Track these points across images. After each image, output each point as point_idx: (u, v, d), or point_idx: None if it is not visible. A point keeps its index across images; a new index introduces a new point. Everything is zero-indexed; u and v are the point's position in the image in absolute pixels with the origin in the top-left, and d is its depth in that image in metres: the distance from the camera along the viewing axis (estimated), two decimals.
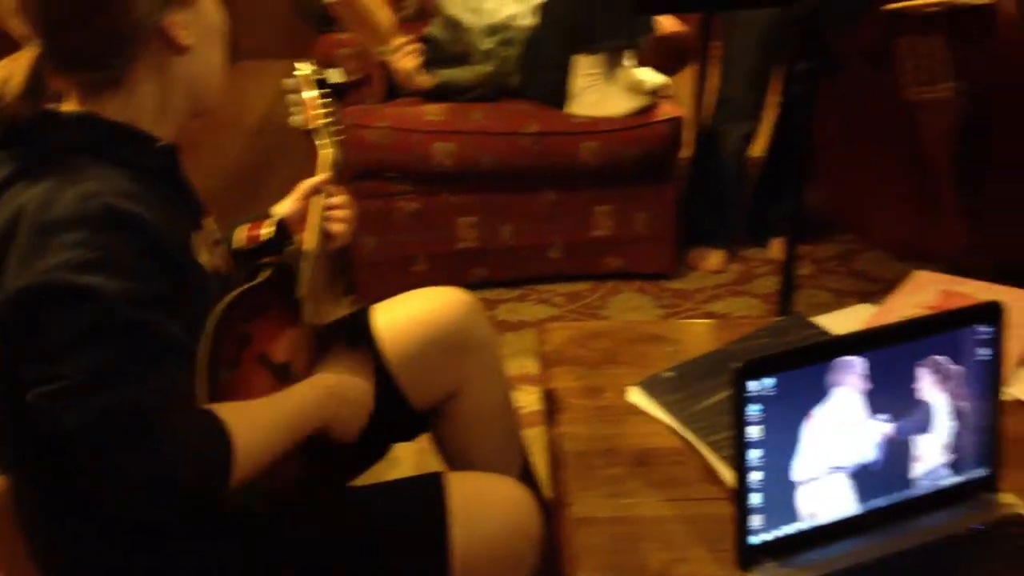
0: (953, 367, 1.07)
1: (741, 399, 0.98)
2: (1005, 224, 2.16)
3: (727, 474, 1.14)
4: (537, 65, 2.61)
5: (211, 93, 1.15)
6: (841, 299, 2.60)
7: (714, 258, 2.80)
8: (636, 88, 2.48)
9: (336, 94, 1.43)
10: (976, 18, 1.98)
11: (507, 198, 2.62)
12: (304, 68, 1.41)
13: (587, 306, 2.63)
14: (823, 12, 1.89)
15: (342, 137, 1.41)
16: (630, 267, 2.72)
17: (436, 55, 2.65)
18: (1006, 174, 2.10)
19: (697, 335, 1.58)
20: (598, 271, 2.72)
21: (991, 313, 1.08)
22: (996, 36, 2.01)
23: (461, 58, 2.64)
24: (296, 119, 1.39)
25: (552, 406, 1.33)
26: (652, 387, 1.31)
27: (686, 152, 2.75)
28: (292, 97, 1.40)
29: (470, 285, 2.63)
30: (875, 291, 2.60)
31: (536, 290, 2.69)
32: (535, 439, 1.56)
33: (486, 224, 2.63)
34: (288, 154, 2.86)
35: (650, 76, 2.49)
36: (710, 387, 1.28)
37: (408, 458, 1.78)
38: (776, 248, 2.77)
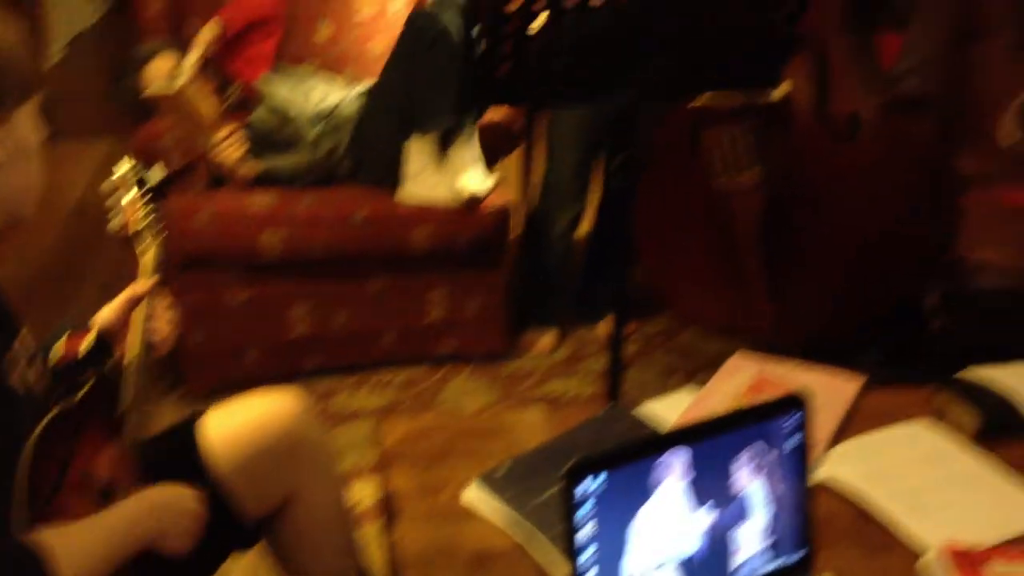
0: (768, 455, 1.14)
1: (570, 499, 1.01)
2: (808, 303, 2.30)
3: (563, 571, 1.16)
4: (366, 150, 2.63)
5: (24, 207, 1.12)
6: (667, 376, 2.71)
7: (546, 339, 2.86)
8: (463, 191, 2.53)
9: (158, 192, 1.41)
10: (775, 110, 2.13)
11: (339, 285, 2.61)
12: (123, 167, 1.38)
13: (423, 392, 2.64)
14: (634, 109, 1.99)
15: (164, 235, 1.38)
16: (464, 350, 2.75)
17: (262, 143, 2.64)
18: (807, 256, 2.25)
19: (531, 425, 1.60)
20: (433, 355, 2.74)
21: (798, 403, 1.15)
22: (793, 126, 2.17)
23: (288, 145, 2.64)
24: (115, 223, 1.36)
25: (390, 508, 1.33)
26: (489, 483, 1.33)
27: (516, 233, 2.82)
28: (111, 201, 1.37)
29: (303, 374, 2.64)
30: (698, 367, 2.73)
31: (371, 377, 2.68)
32: (374, 535, 1.55)
33: (318, 312, 2.61)
34: (108, 240, 2.78)
35: (477, 180, 2.55)
36: (544, 482, 1.31)
37: (243, 568, 1.73)
38: (605, 326, 2.86)
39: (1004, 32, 3.17)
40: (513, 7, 1.54)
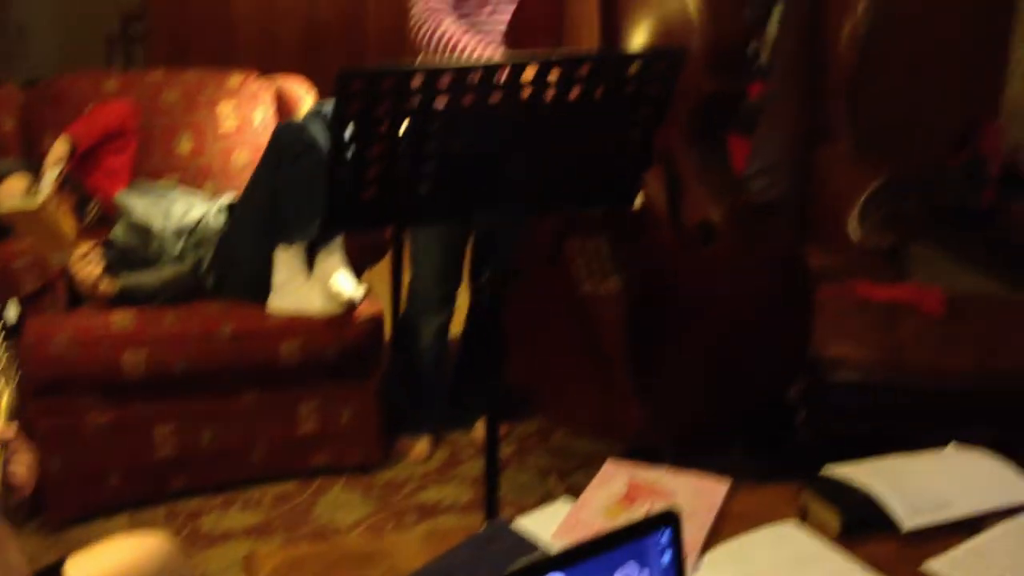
0: (642, 572, 1.15)
1: None
2: (676, 402, 2.35)
3: None
4: (231, 263, 2.60)
5: None
6: (543, 476, 2.72)
7: (420, 445, 2.84)
8: (335, 297, 2.52)
9: (13, 331, 1.36)
10: (634, 219, 2.20)
11: (205, 402, 2.55)
12: None
13: (296, 508, 2.57)
14: (498, 227, 2.04)
15: (19, 375, 1.33)
16: (337, 462, 2.70)
17: (123, 260, 2.58)
18: (673, 357, 2.30)
19: (410, 546, 1.58)
20: (305, 468, 2.68)
21: (670, 518, 1.17)
22: (652, 234, 2.24)
23: (151, 261, 2.59)
24: None
25: None
26: None
27: (387, 340, 2.81)
28: None
29: (170, 495, 2.54)
30: (572, 467, 2.75)
31: (241, 495, 2.60)
32: None
33: (184, 430, 2.53)
34: None
35: (348, 285, 2.54)
36: None
37: None
38: (480, 430, 2.86)
39: (845, 136, 3.39)
40: (381, 119, 1.57)
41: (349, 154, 1.57)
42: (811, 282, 2.44)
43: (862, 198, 3.23)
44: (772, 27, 3.33)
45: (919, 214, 3.72)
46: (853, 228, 3.21)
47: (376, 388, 2.72)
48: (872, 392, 2.50)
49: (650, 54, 1.78)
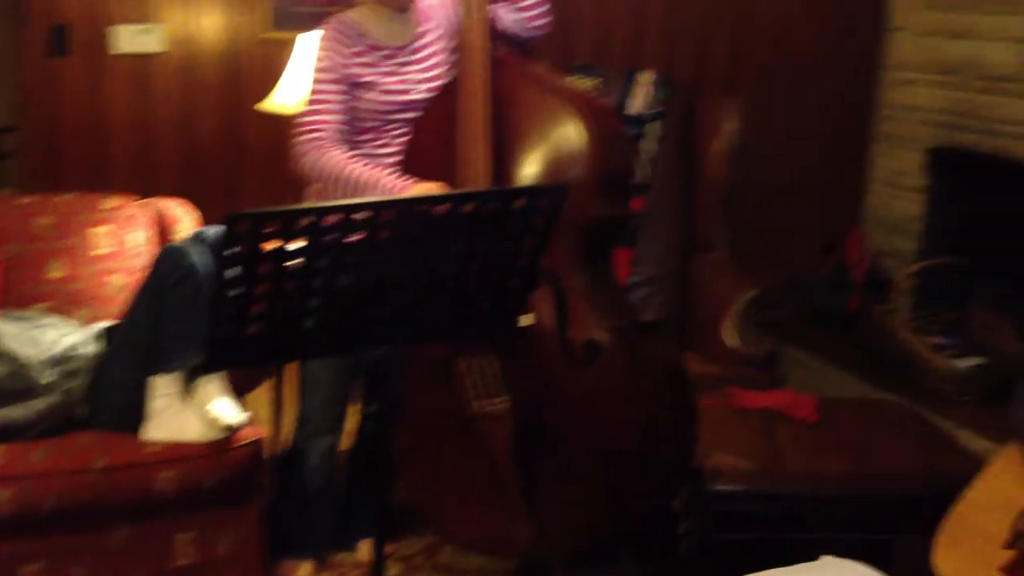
0: None
1: None
2: (566, 516, 2.35)
3: None
4: (107, 393, 2.52)
5: None
6: None
7: (303, 570, 2.76)
8: (214, 423, 2.46)
9: None
10: (522, 339, 2.23)
11: (76, 538, 2.42)
12: None
13: None
14: (382, 360, 2.05)
15: None
16: None
17: None
18: (562, 472, 2.32)
19: None
20: None
21: None
22: (540, 352, 2.27)
23: (19, 394, 2.48)
24: None
25: None
26: None
27: (268, 467, 2.74)
28: None
29: None
30: None
31: None
32: None
33: (53, 570, 2.40)
34: None
35: (229, 411, 2.48)
36: None
37: None
38: (364, 550, 2.80)
39: (720, 247, 3.52)
40: (268, 259, 1.56)
41: (234, 292, 1.56)
42: (693, 393, 2.50)
43: (738, 307, 3.34)
44: (648, 144, 3.47)
45: (792, 320, 3.88)
46: (730, 336, 3.31)
47: (258, 514, 2.64)
48: (752, 500, 2.55)
49: (534, 190, 1.84)
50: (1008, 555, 2.05)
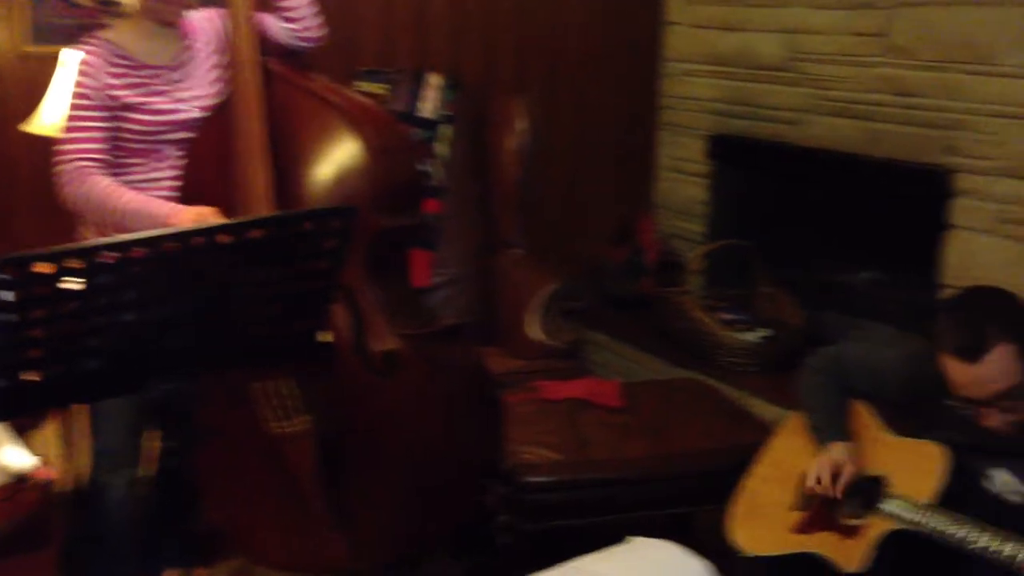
0: None
1: None
2: (378, 527, 2.35)
3: None
4: None
5: None
6: None
7: None
8: (2, 471, 2.32)
9: None
10: (319, 355, 2.20)
11: None
12: None
13: None
14: (176, 390, 1.99)
15: None
16: None
17: None
18: (370, 484, 2.31)
19: None
20: None
21: None
22: (339, 367, 2.25)
23: None
24: None
25: None
26: None
27: (63, 507, 2.62)
28: None
29: None
30: None
31: None
32: None
33: None
34: None
35: (17, 458, 2.35)
36: None
37: None
38: None
39: (517, 244, 3.59)
40: (40, 301, 1.48)
41: (6, 339, 1.47)
42: (497, 391, 2.55)
43: (539, 301, 3.42)
44: (441, 146, 3.49)
45: (594, 308, 4.00)
46: (533, 330, 3.39)
47: (53, 559, 2.51)
48: (562, 489, 2.63)
49: (322, 213, 1.81)
50: (797, 517, 2.20)
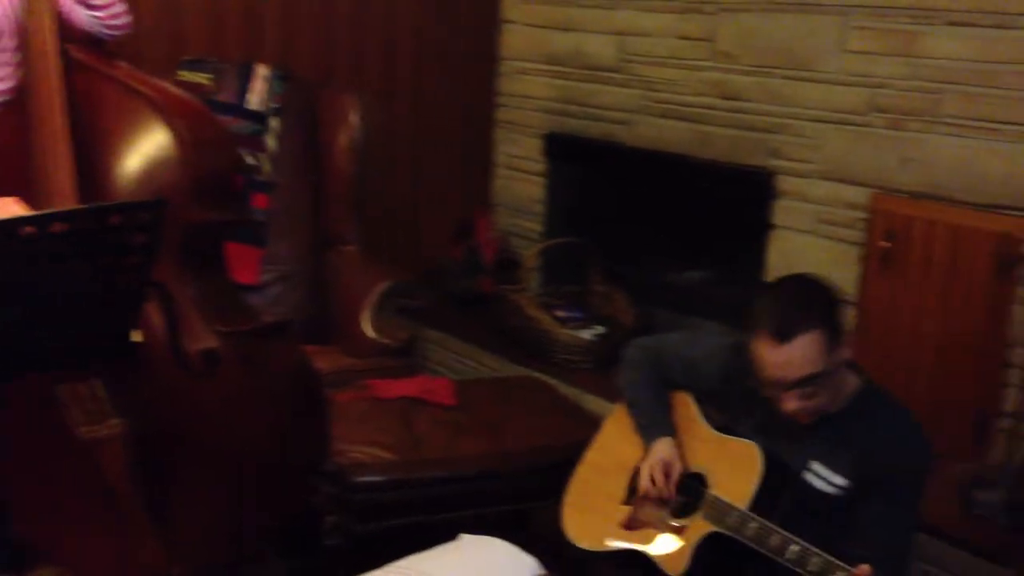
0: None
1: None
2: (200, 530, 2.26)
3: None
4: None
5: None
6: None
7: None
8: None
9: None
10: (132, 356, 2.10)
11: None
12: None
13: None
14: None
15: None
16: None
17: None
18: (190, 487, 2.22)
19: None
20: None
21: None
22: (152, 368, 2.15)
23: None
24: None
25: None
26: None
27: None
28: None
29: None
30: None
31: None
32: None
33: None
34: None
35: None
36: None
37: None
38: None
39: (351, 241, 3.52)
40: None
41: None
42: (324, 389, 2.48)
43: (372, 298, 3.37)
44: (271, 139, 3.39)
45: (431, 307, 3.97)
46: (366, 328, 3.34)
47: None
48: (394, 489, 2.59)
49: (130, 206, 1.72)
50: (626, 512, 2.23)
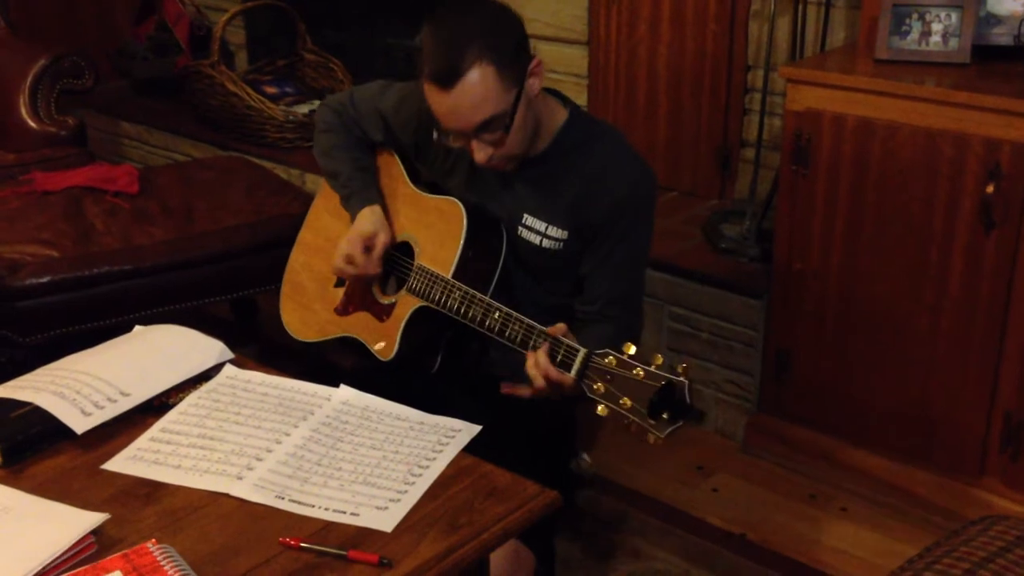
0: None
1: None
2: None
3: None
4: None
5: None
6: None
7: None
8: None
9: None
10: None
11: None
12: None
13: None
14: None
15: None
16: None
17: None
18: None
19: None
20: None
21: None
22: None
23: None
24: None
25: None
26: None
27: None
28: None
29: None
30: None
31: None
32: None
33: None
34: None
35: None
36: None
37: None
38: None
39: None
40: None
41: None
42: None
43: (30, 81, 2.80)
44: None
45: (120, 92, 3.41)
46: (27, 115, 2.78)
47: None
48: (64, 291, 2.14)
49: None
50: (339, 295, 1.87)
